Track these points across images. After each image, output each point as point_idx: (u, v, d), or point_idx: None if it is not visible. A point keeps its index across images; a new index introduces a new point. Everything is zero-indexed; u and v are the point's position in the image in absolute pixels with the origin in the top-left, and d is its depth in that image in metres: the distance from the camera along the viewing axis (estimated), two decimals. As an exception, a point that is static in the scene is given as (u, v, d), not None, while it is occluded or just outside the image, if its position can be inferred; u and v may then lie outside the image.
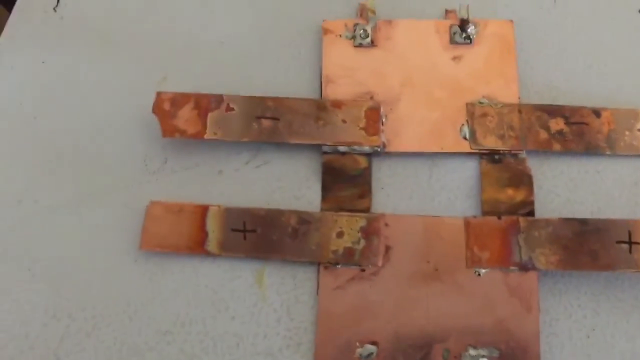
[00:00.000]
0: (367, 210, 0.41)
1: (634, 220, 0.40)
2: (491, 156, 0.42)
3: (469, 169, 0.43)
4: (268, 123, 0.42)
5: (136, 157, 0.43)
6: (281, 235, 0.40)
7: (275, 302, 0.40)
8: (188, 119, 0.42)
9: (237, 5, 0.48)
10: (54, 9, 0.48)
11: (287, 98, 0.43)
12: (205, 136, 0.42)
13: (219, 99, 0.43)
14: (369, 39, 0.45)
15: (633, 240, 0.39)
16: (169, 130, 0.42)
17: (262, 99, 0.43)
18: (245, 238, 0.40)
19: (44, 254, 0.41)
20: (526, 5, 0.47)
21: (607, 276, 0.40)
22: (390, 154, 0.43)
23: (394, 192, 0.42)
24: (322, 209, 0.41)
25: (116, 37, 0.47)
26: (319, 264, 0.40)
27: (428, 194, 0.42)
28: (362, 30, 0.45)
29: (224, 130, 0.42)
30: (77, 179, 0.43)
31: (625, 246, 0.39)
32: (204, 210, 0.41)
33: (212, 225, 0.41)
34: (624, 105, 0.44)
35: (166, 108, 0.42)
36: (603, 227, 0.39)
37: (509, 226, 0.40)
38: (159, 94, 0.43)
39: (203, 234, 0.41)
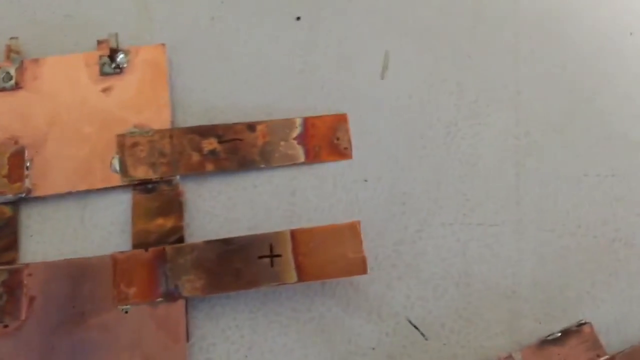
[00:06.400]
0: (13, 262, 0.39)
1: (274, 232, 0.39)
2: (144, 186, 0.41)
3: (122, 203, 0.41)
4: None
5: None
6: None
7: None
8: None
9: None
10: None
11: None
12: None
13: None
14: (12, 82, 0.43)
15: (274, 253, 0.39)
16: None
17: None
18: None
19: None
20: (183, 27, 0.46)
21: (265, 292, 0.40)
22: (39, 199, 0.41)
23: (45, 239, 0.40)
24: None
25: None
26: (-42, 329, 0.38)
27: (81, 235, 0.41)
28: (4, 74, 0.43)
29: None
30: None
31: (267, 260, 0.39)
32: None
33: None
34: (283, 115, 0.44)
35: None
36: (246, 244, 0.39)
37: (155, 257, 0.39)
38: None
39: None
